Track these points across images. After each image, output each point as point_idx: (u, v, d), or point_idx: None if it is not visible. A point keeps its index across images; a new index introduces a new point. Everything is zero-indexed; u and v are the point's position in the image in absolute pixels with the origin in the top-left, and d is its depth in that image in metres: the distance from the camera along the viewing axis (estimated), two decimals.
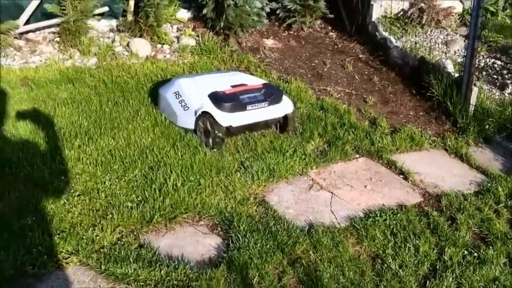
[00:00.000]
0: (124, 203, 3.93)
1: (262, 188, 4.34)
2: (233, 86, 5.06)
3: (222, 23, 7.01)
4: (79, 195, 3.99)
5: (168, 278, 3.34)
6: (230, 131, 4.88)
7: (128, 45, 6.74)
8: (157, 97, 5.44)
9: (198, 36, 7.13)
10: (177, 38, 7.13)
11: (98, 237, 3.59)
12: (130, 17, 6.98)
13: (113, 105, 5.36)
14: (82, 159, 4.42)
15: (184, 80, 5.34)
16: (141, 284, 3.30)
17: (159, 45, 6.91)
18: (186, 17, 7.57)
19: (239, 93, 4.94)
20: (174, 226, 3.85)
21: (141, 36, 6.88)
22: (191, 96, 5.03)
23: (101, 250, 3.51)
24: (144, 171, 4.34)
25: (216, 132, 4.74)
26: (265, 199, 4.22)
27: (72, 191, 4.03)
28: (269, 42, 7.38)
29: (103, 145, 4.64)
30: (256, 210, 4.07)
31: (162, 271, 3.37)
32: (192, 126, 4.96)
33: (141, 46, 6.73)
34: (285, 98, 5.19)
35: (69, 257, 3.43)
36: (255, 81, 5.34)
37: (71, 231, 3.62)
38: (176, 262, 3.46)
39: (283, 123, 5.16)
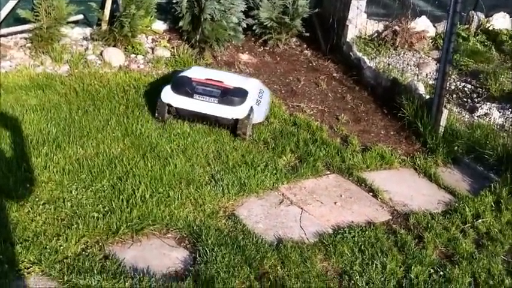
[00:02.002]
0: (90, 213, 3.87)
1: (232, 201, 4.31)
2: (207, 79, 5.36)
3: (198, 36, 7.00)
4: (44, 203, 3.90)
5: None
6: (179, 113, 5.32)
7: (101, 54, 6.67)
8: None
9: (173, 48, 7.10)
10: (152, 49, 7.08)
11: (61, 247, 3.51)
12: (104, 26, 6.91)
13: (83, 113, 5.28)
14: (49, 167, 4.33)
15: (197, 67, 5.90)
16: None
17: (133, 55, 6.85)
18: (162, 28, 7.52)
19: (199, 84, 5.30)
20: (140, 238, 3.78)
21: (115, 45, 6.81)
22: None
23: (65, 260, 3.43)
24: (112, 182, 4.27)
25: (158, 105, 5.27)
26: (235, 213, 4.19)
27: (37, 199, 3.93)
28: (244, 57, 7.39)
29: (71, 153, 4.56)
30: (225, 224, 4.03)
31: (127, 283, 3.32)
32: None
33: (115, 55, 6.65)
34: (245, 105, 5.22)
35: (31, 267, 3.34)
36: (236, 83, 5.40)
37: (34, 240, 3.53)
38: (141, 275, 3.40)
39: (234, 126, 5.25)
